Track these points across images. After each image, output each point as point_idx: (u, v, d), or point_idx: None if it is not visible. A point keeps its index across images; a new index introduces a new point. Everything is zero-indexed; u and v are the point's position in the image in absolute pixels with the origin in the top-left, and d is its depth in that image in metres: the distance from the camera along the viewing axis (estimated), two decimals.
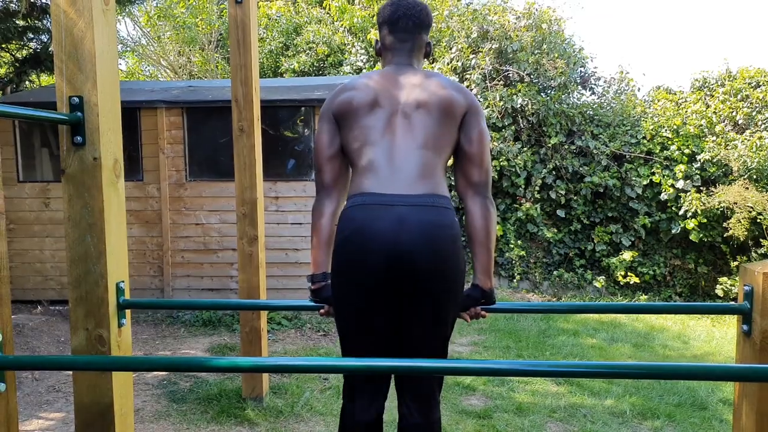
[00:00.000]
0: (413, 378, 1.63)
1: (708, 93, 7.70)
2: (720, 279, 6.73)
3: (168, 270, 5.24)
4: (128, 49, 9.35)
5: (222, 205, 5.20)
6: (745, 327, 1.73)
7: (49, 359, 1.23)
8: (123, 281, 1.63)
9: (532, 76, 6.96)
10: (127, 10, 7.97)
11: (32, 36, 6.18)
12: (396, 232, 1.50)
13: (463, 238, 1.49)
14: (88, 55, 1.46)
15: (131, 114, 5.15)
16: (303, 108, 5.19)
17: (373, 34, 7.50)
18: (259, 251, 3.43)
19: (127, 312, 1.66)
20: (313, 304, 1.73)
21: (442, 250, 1.52)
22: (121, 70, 9.86)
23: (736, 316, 1.76)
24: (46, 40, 6.40)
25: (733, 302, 2.03)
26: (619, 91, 7.75)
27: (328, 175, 1.70)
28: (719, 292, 6.65)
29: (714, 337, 5.52)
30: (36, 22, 6.14)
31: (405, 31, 1.72)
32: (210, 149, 5.21)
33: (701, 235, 6.69)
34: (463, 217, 1.74)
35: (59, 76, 1.46)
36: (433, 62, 7.32)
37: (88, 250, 1.55)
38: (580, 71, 7.58)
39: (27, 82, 6.76)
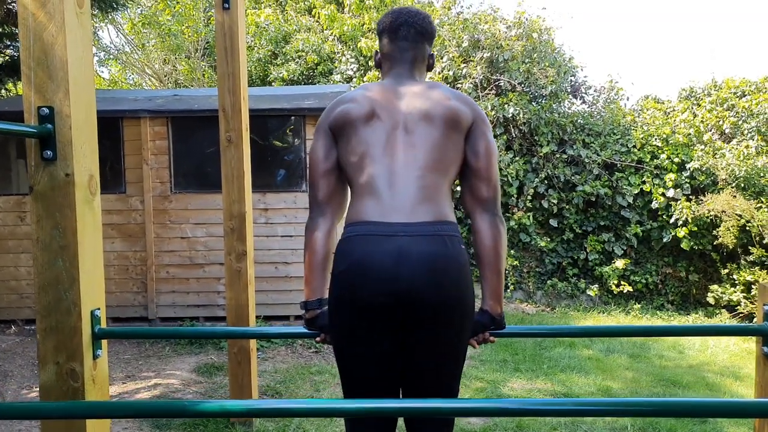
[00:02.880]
0: (424, 419, 1.51)
1: (695, 102, 7.73)
2: (711, 287, 6.70)
3: (152, 286, 5.06)
4: (111, 56, 9.16)
5: (208, 218, 5.05)
6: (765, 349, 1.64)
7: (7, 407, 1.09)
8: (99, 309, 1.50)
9: (523, 86, 6.92)
10: (109, 16, 7.80)
11: (8, 43, 5.99)
12: (396, 266, 1.39)
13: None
14: (59, 62, 1.33)
15: (113, 124, 4.99)
16: (293, 117, 5.07)
17: (364, 43, 7.42)
18: (248, 267, 3.29)
19: (104, 342, 1.52)
20: (307, 331, 1.60)
21: (447, 284, 1.40)
22: (104, 79, 9.69)
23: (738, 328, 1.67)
24: None
25: (749, 322, 1.93)
26: (608, 100, 7.75)
27: (322, 191, 1.58)
28: (710, 299, 6.62)
29: (708, 346, 5.47)
30: (13, 28, 5.96)
31: (406, 40, 1.63)
32: (196, 160, 5.06)
33: (692, 243, 6.67)
34: (470, 236, 1.62)
35: (27, 84, 1.33)
36: None
37: (59, 275, 1.41)
38: (571, 80, 7.57)
39: (3, 91, 6.55)
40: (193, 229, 5.05)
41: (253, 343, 3.37)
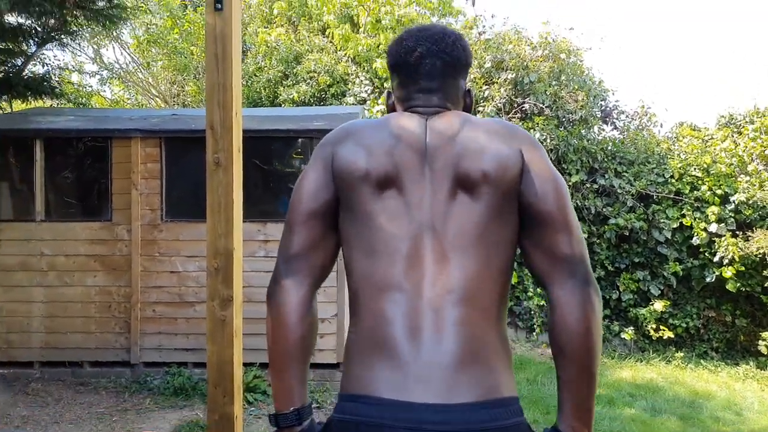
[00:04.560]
0: None
1: (736, 130, 7.15)
2: (762, 334, 6.00)
3: (136, 326, 4.49)
4: (113, 75, 8.81)
5: (201, 250, 4.49)
6: None
7: None
8: None
9: (550, 109, 6.41)
10: (114, 33, 7.48)
11: (3, 58, 5.64)
12: None
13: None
14: None
15: (101, 144, 4.52)
16: (300, 140, 4.57)
17: (380, 64, 6.97)
18: (234, 316, 2.71)
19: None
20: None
21: None
22: (106, 99, 9.35)
23: None
24: (19, 64, 5.86)
25: None
26: (640, 127, 7.20)
27: (299, 240, 1.07)
28: (762, 348, 5.91)
29: None
30: (9, 44, 5.61)
31: (430, 78, 1.13)
32: (190, 185, 4.54)
33: (738, 285, 5.99)
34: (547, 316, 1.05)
35: None
36: None
37: None
38: (601, 105, 7.05)
39: None
40: (184, 263, 4.51)
41: (238, 409, 2.78)
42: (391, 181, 1.03)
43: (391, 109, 1.22)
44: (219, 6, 2.73)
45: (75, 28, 5.69)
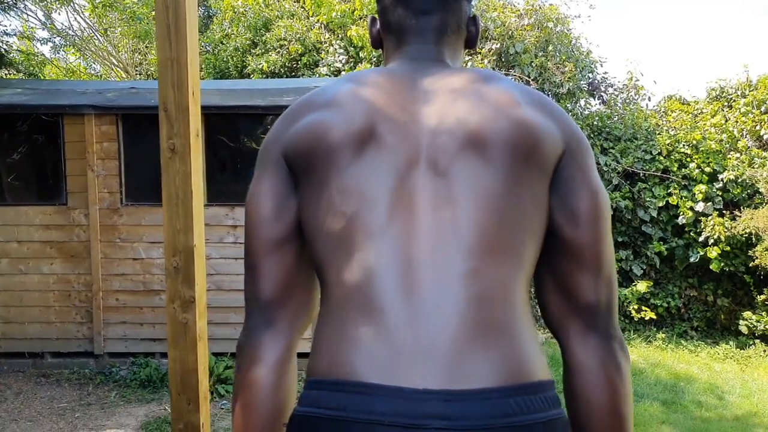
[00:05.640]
0: None
1: (727, 104, 6.98)
2: (744, 314, 5.98)
3: (99, 315, 4.22)
4: (67, 43, 8.16)
5: None
6: None
7: None
8: None
9: (537, 81, 6.13)
10: None
11: None
12: None
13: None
14: None
15: (51, 121, 4.13)
16: (269, 117, 4.24)
17: (355, 31, 6.54)
18: (197, 318, 2.47)
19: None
20: None
21: None
22: (61, 68, 8.64)
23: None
24: None
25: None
26: (628, 100, 6.98)
27: (268, 279, 0.79)
28: (743, 328, 5.90)
29: (751, 390, 4.73)
30: None
31: None
32: (152, 166, 4.14)
33: (722, 264, 5.93)
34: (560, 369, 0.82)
35: None
36: None
37: None
38: (589, 77, 6.79)
39: None
40: (147, 249, 4.21)
41: (205, 417, 2.56)
42: (373, 134, 0.74)
43: (375, 38, 0.92)
44: None
45: None
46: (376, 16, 0.92)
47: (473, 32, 0.90)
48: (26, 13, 7.42)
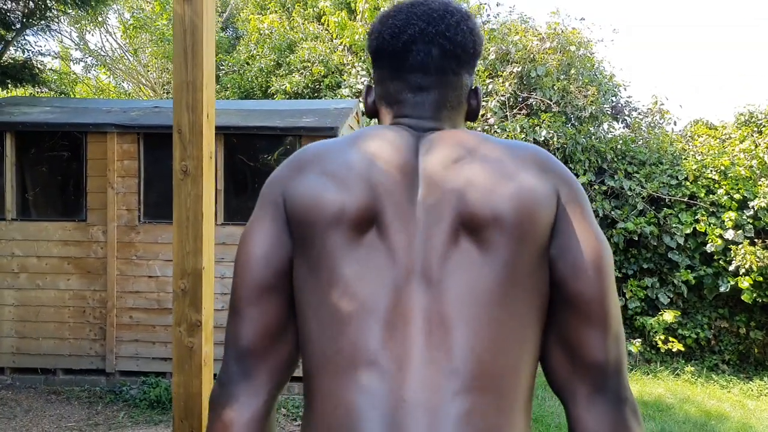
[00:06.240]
0: None
1: (756, 129, 6.77)
2: None
3: (112, 333, 4.22)
4: (98, 62, 8.42)
5: None
6: None
7: None
8: None
9: (558, 105, 6.04)
10: (99, 18, 7.09)
11: None
12: None
13: None
14: None
15: (75, 139, 4.21)
16: (288, 138, 4.24)
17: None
18: (203, 343, 2.44)
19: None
20: None
21: None
22: (91, 86, 8.93)
23: None
24: None
25: None
26: (652, 124, 6.82)
27: (251, 326, 0.76)
28: None
29: None
30: None
31: (423, 71, 0.82)
32: (170, 185, 4.22)
33: (755, 295, 5.67)
34: None
35: None
36: None
37: None
38: (612, 101, 6.67)
39: None
40: (163, 267, 4.22)
41: None
42: (372, 219, 0.72)
43: (370, 109, 0.90)
44: None
45: (55, 12, 5.35)
46: (372, 84, 0.90)
47: (474, 105, 0.87)
48: (61, 34, 7.73)
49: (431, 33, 0.80)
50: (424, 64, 0.81)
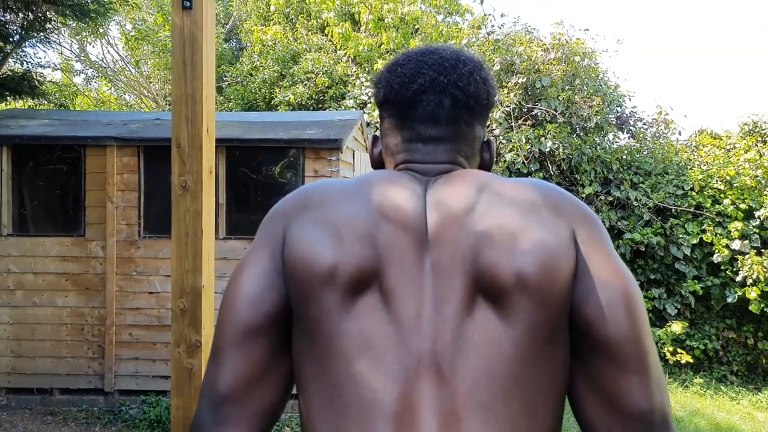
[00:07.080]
0: None
1: (761, 139, 6.71)
2: None
3: (111, 351, 4.12)
4: (99, 74, 8.37)
5: None
6: None
7: None
8: None
9: (563, 115, 5.99)
10: (100, 30, 7.06)
11: None
12: None
13: None
14: None
15: (74, 152, 4.14)
16: (292, 150, 4.18)
17: (381, 65, 6.55)
18: (203, 364, 2.35)
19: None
20: None
21: None
22: (92, 98, 8.89)
23: None
24: None
25: None
26: (657, 134, 6.77)
27: (231, 371, 0.69)
28: None
29: None
30: None
31: (433, 122, 0.77)
32: (171, 199, 4.16)
33: (762, 305, 5.59)
34: None
35: None
36: None
37: None
38: (617, 111, 6.62)
39: None
40: (163, 283, 4.13)
41: None
42: (371, 282, 0.65)
43: (376, 161, 0.83)
44: (188, 4, 2.34)
45: (55, 24, 5.31)
46: (378, 134, 0.83)
47: (487, 159, 0.82)
48: (61, 46, 7.70)
49: (443, 83, 0.75)
50: (435, 115, 0.76)
